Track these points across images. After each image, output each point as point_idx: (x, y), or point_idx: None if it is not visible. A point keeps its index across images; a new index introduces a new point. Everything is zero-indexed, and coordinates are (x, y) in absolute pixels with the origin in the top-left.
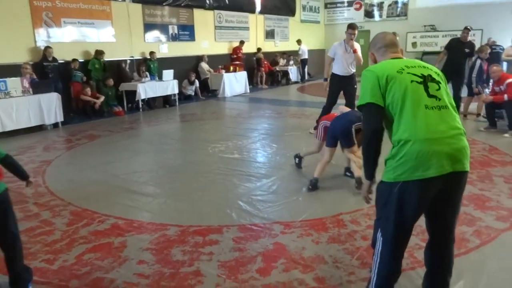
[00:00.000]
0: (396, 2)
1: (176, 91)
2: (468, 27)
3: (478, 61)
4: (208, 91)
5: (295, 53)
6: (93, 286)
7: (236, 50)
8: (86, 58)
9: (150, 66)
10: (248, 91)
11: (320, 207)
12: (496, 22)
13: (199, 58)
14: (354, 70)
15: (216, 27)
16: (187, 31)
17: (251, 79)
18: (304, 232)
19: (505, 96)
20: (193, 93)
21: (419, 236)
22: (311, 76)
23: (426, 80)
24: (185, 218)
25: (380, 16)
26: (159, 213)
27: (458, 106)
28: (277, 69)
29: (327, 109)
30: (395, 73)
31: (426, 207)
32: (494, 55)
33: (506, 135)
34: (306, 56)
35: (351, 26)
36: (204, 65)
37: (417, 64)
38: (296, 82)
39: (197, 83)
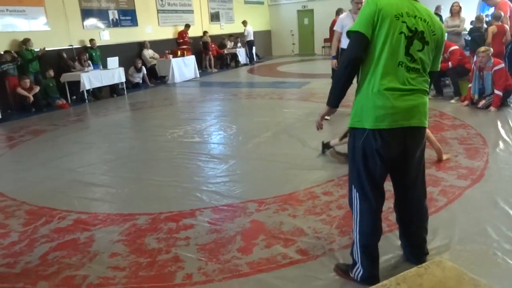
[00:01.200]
0: None
1: (123, 79)
2: None
3: None
4: (157, 77)
5: (241, 35)
6: (65, 286)
7: (182, 34)
8: (18, 49)
9: (92, 54)
10: (198, 75)
11: (290, 182)
12: None
13: (142, 45)
14: None
15: (159, 11)
16: (128, 16)
17: (200, 64)
18: (279, 208)
19: (449, 64)
20: (141, 81)
21: (391, 200)
22: (260, 57)
23: (414, 36)
24: (154, 206)
25: None
26: (125, 203)
27: None
28: (226, 52)
29: None
30: (392, 16)
31: (385, 159)
32: None
33: (452, 101)
34: (252, 38)
35: None
36: (147, 52)
37: (420, 13)
38: (245, 64)
39: (144, 70)
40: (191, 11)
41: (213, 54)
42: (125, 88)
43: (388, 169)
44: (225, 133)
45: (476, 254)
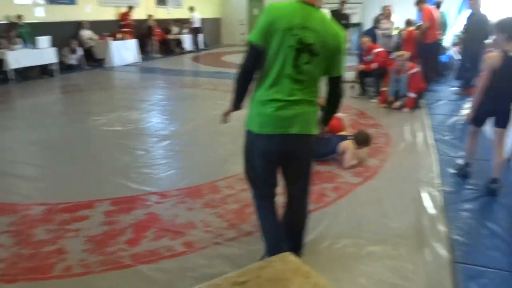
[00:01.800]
0: None
1: (55, 59)
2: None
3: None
4: (94, 60)
5: (188, 21)
6: None
7: (125, 16)
8: None
9: (22, 32)
10: (140, 60)
11: (199, 175)
12: None
13: (80, 25)
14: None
15: None
16: None
17: (143, 48)
18: (179, 200)
19: (374, 65)
20: (76, 63)
21: None
22: (207, 45)
23: (303, 48)
24: (54, 196)
25: None
26: (27, 193)
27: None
28: (170, 37)
29: None
30: (283, 30)
31: (270, 161)
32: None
33: (372, 100)
34: (199, 25)
35: None
36: (85, 32)
37: (313, 24)
38: (191, 51)
39: (80, 51)
40: None
41: (157, 39)
42: (58, 70)
43: (274, 167)
44: (150, 123)
45: (342, 250)
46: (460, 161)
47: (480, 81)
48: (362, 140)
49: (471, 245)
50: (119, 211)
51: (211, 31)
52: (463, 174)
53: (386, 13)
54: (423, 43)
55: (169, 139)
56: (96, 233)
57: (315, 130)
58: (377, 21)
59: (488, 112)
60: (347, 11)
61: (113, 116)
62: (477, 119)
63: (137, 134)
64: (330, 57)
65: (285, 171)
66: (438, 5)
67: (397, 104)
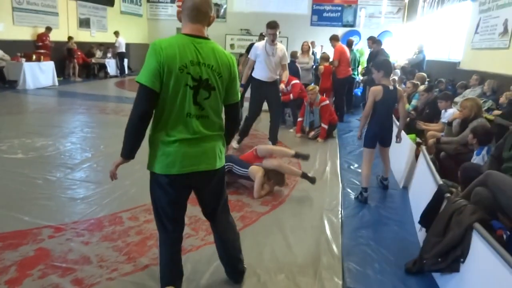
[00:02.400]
0: (216, 4)
1: None
2: (263, 33)
3: None
4: (4, 81)
5: (112, 46)
6: None
7: (42, 37)
8: None
9: None
10: (57, 83)
11: (101, 206)
12: (298, 31)
13: None
14: (276, 77)
15: (14, 8)
16: None
17: (63, 71)
18: (76, 234)
19: (291, 96)
20: None
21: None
22: (132, 70)
23: (200, 85)
24: None
25: None
26: None
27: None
28: (93, 61)
29: (249, 123)
30: (177, 69)
31: (176, 199)
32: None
33: (291, 130)
34: (123, 49)
35: (270, 25)
36: None
37: (205, 58)
38: (115, 76)
39: None
40: (56, 13)
41: (78, 62)
42: None
43: (184, 204)
44: (57, 151)
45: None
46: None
47: (365, 109)
48: (275, 176)
49: (362, 271)
50: (5, 247)
51: (137, 57)
52: (362, 199)
53: (304, 48)
54: (336, 78)
55: (76, 168)
56: None
57: (223, 162)
58: (293, 55)
59: (376, 135)
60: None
61: (16, 143)
62: (369, 142)
63: (40, 162)
64: (227, 86)
65: (203, 205)
66: (349, 44)
67: (312, 134)
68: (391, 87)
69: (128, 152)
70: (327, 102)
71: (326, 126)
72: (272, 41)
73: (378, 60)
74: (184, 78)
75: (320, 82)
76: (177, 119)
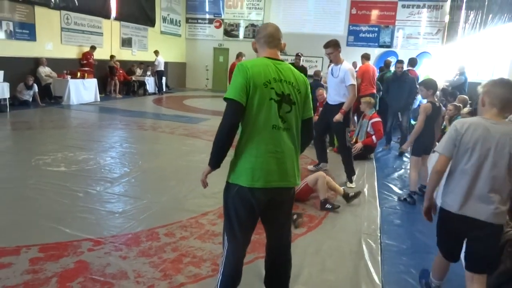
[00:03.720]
0: (253, 25)
1: (7, 95)
2: (299, 54)
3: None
4: (51, 97)
5: (152, 64)
6: None
7: (87, 55)
8: None
9: None
10: (99, 99)
11: (139, 221)
12: None
13: (38, 62)
14: (342, 100)
15: (63, 29)
16: (26, 30)
17: (104, 88)
18: (114, 248)
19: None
20: (30, 99)
21: None
22: (170, 88)
23: (282, 100)
24: None
25: (238, 36)
26: None
27: None
28: (134, 79)
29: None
30: (261, 85)
31: (256, 213)
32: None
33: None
34: (162, 68)
35: (325, 45)
36: (43, 69)
37: (286, 76)
38: (153, 94)
39: (35, 88)
40: (101, 34)
41: (119, 80)
42: (7, 105)
43: (257, 216)
44: (97, 165)
45: None
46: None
47: (418, 124)
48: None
49: None
50: (47, 258)
51: (175, 75)
52: (411, 201)
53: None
54: (358, 95)
55: (115, 182)
56: (16, 283)
57: (299, 181)
58: (316, 74)
59: (425, 145)
60: (303, 64)
61: (59, 156)
62: (417, 151)
63: (81, 175)
64: (303, 101)
65: (270, 221)
66: (387, 65)
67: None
68: (437, 104)
69: (216, 162)
70: (379, 119)
71: (375, 140)
72: (331, 61)
73: (428, 80)
74: (268, 93)
75: None
76: (264, 130)
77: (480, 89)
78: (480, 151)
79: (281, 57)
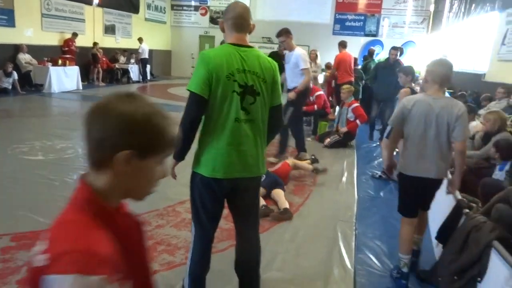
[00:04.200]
0: None
1: None
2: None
3: None
4: (31, 85)
5: (136, 52)
6: None
7: (68, 42)
8: None
9: None
10: (81, 87)
11: None
12: (320, 40)
13: (18, 48)
14: (294, 85)
15: (43, 15)
16: (4, 16)
17: (87, 76)
18: None
19: (315, 106)
20: (10, 86)
21: None
22: (154, 76)
23: (245, 91)
24: None
25: None
26: None
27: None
28: (117, 66)
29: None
30: (224, 77)
31: (220, 199)
32: None
33: (309, 139)
34: (146, 56)
35: (277, 34)
36: (23, 56)
37: (250, 66)
38: (137, 82)
39: (15, 75)
40: (82, 20)
41: (102, 68)
42: None
43: (222, 203)
44: (75, 154)
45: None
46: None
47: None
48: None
49: (373, 286)
50: (19, 247)
51: (160, 63)
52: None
53: (312, 57)
54: (336, 83)
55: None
56: None
57: (263, 170)
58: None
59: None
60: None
61: (37, 145)
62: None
63: (59, 164)
64: (270, 90)
65: (235, 208)
66: (370, 54)
67: (327, 141)
68: (415, 89)
69: (180, 156)
70: (358, 104)
71: (359, 123)
72: (284, 49)
73: (407, 67)
74: (231, 85)
75: (325, 89)
76: (225, 123)
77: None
78: (425, 123)
79: (268, 45)
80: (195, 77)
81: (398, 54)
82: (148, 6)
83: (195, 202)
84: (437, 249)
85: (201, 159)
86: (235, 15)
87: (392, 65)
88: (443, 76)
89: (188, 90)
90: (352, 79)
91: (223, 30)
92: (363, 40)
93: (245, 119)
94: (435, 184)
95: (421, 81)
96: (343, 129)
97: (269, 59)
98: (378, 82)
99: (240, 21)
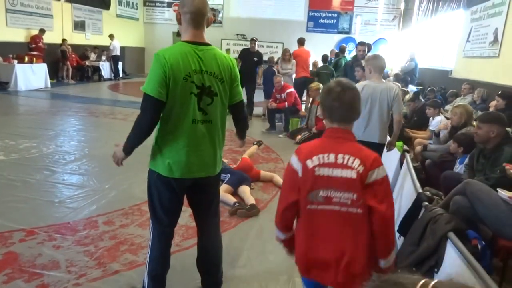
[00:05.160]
0: (213, 9)
1: None
2: (254, 38)
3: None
4: None
5: (107, 49)
6: None
7: (35, 39)
8: None
9: None
10: (49, 85)
11: (77, 211)
12: (294, 37)
13: None
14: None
15: (8, 10)
16: None
17: (56, 73)
18: (47, 238)
19: (286, 104)
20: None
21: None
22: (127, 73)
23: (202, 92)
24: None
25: None
26: None
27: (252, 110)
28: (87, 64)
29: None
30: (181, 79)
31: (178, 196)
32: None
33: (281, 135)
34: (117, 53)
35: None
36: None
37: (208, 66)
38: (109, 79)
39: None
40: (50, 16)
41: (72, 65)
42: None
43: (181, 200)
44: (39, 154)
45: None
46: None
47: None
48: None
49: None
50: None
51: (133, 60)
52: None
53: (286, 57)
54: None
55: (57, 171)
56: None
57: (220, 167)
58: (270, 61)
59: None
60: (258, 49)
61: None
62: None
63: (21, 164)
64: (229, 88)
65: (194, 204)
66: (342, 50)
67: (298, 137)
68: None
69: (130, 150)
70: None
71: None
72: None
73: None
74: (189, 87)
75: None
76: (183, 125)
77: (366, 61)
78: (371, 101)
79: (242, 42)
80: (151, 79)
81: (366, 50)
82: (120, 2)
83: (153, 199)
84: (400, 242)
85: (159, 158)
86: (193, 9)
87: (360, 62)
88: (381, 67)
89: (145, 92)
90: (308, 75)
91: (179, 22)
92: (337, 37)
93: (202, 120)
94: (378, 148)
95: (391, 78)
96: (314, 129)
97: (227, 56)
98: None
99: (198, 18)
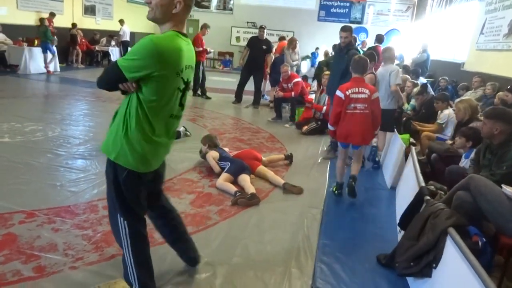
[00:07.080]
0: None
1: None
2: (263, 26)
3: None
4: (6, 65)
5: (117, 34)
6: None
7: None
8: None
9: None
10: (58, 69)
11: (78, 194)
12: (305, 26)
13: None
14: None
15: None
16: None
17: (66, 57)
18: (47, 221)
19: (292, 93)
20: None
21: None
22: None
23: (186, 87)
24: None
25: (209, 7)
26: None
27: (259, 98)
28: (97, 48)
29: None
30: (174, 74)
31: (143, 192)
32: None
33: (286, 125)
34: (127, 38)
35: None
36: None
37: (191, 60)
38: None
39: None
40: (61, 0)
41: (82, 49)
42: None
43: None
44: (42, 137)
45: (209, 278)
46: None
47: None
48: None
49: (334, 272)
50: None
51: None
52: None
53: (293, 46)
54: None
55: (61, 154)
56: None
57: None
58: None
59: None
60: (267, 38)
61: (4, 127)
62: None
63: (25, 147)
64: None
65: (154, 191)
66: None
67: (305, 128)
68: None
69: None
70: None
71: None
72: None
73: (368, 53)
74: (178, 83)
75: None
76: (162, 120)
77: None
78: (380, 81)
79: (252, 30)
80: (135, 60)
81: (372, 42)
82: None
83: (126, 198)
84: (401, 235)
85: (129, 152)
86: None
87: (339, 52)
88: (390, 57)
89: (119, 65)
90: None
91: (174, 7)
92: None
93: (178, 115)
94: (388, 112)
95: (405, 63)
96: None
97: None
98: (331, 72)
99: (191, 5)
